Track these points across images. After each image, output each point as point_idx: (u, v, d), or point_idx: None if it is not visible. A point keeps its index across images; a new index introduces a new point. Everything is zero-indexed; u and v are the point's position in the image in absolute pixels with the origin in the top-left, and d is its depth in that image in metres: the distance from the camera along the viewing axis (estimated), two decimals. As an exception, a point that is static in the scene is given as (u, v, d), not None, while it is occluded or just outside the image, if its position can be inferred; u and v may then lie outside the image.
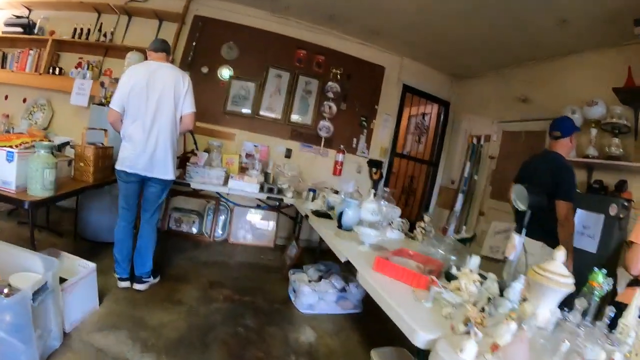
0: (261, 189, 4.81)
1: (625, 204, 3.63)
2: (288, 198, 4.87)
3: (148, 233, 3.70)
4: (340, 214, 3.32)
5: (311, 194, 4.64)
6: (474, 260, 2.33)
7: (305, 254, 5.06)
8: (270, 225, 5.96)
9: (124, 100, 3.40)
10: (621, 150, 3.92)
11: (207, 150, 5.17)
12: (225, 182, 4.69)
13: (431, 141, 7.40)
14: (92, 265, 2.96)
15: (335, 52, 6.18)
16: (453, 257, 2.63)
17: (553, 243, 2.58)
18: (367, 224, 3.28)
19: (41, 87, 5.44)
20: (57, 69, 5.41)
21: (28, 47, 5.46)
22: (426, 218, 3.56)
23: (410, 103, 7.05)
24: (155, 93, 3.42)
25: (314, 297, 3.88)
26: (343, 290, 4.01)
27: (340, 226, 3.36)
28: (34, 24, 5.42)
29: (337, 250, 2.84)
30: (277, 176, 5.11)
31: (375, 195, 3.50)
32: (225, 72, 5.77)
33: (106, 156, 3.95)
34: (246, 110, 5.85)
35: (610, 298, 2.29)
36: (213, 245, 5.51)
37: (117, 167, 3.47)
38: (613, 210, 3.56)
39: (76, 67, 5.43)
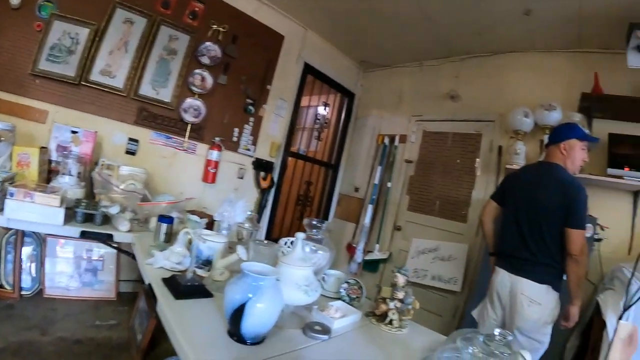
0: (72, 217, 2.64)
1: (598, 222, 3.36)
2: (121, 233, 2.68)
3: None
4: (238, 311, 1.31)
5: (164, 227, 2.44)
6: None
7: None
8: (108, 263, 3.73)
9: None
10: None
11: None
12: (2, 206, 2.41)
13: (331, 139, 5.93)
14: None
15: (221, 2, 4.21)
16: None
17: (558, 284, 2.51)
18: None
19: None
20: None
21: None
22: (400, 280, 1.84)
23: (311, 89, 5.41)
24: None
25: None
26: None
27: (237, 336, 1.37)
28: None
29: None
30: (105, 189, 2.89)
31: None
32: (45, 8, 3.44)
33: None
34: (68, 73, 3.51)
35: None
36: (19, 306, 3.21)
37: None
38: (589, 231, 3.06)
39: None
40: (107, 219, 2.73)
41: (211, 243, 2.00)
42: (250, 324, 1.30)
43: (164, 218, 2.43)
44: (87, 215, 2.67)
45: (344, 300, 2.02)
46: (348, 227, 5.60)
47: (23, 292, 3.34)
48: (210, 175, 4.16)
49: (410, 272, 2.47)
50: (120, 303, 3.62)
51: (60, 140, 3.33)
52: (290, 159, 5.17)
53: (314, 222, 2.00)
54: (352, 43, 5.23)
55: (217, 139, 4.17)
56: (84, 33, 3.53)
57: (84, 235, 2.56)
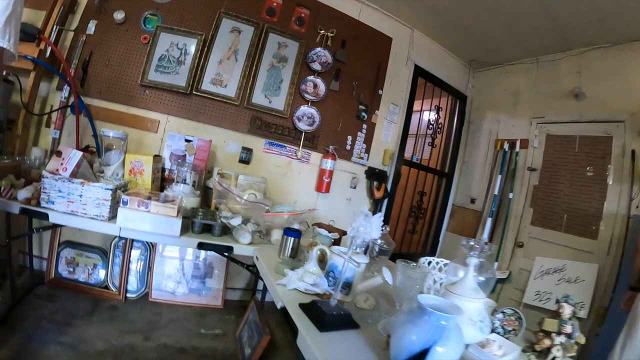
0: (188, 227, 2.45)
1: None
2: (242, 244, 2.43)
3: None
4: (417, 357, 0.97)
5: (290, 241, 2.17)
6: None
7: (279, 328, 2.95)
8: (217, 270, 3.59)
9: None
10: None
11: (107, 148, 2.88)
12: (115, 214, 2.25)
13: (444, 145, 5.43)
14: None
15: (326, 7, 4.00)
16: None
17: None
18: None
19: None
20: None
21: None
22: (566, 310, 1.57)
23: (423, 93, 4.97)
24: None
25: None
26: None
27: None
28: None
29: None
30: (223, 199, 2.66)
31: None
32: (150, 21, 3.46)
33: None
34: (179, 83, 3.46)
35: None
36: (123, 308, 3.16)
37: None
38: None
39: None
40: (225, 230, 2.50)
41: (355, 262, 1.71)
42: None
43: (291, 231, 2.16)
44: (203, 226, 2.45)
45: (497, 333, 1.64)
46: (462, 242, 5.04)
47: (129, 295, 3.35)
48: (324, 184, 3.90)
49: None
50: (227, 311, 3.49)
51: (174, 148, 3.26)
52: (403, 167, 4.78)
53: (472, 243, 1.65)
54: (460, 41, 4.78)
55: (331, 147, 3.91)
56: (191, 43, 3.49)
57: (202, 247, 2.35)
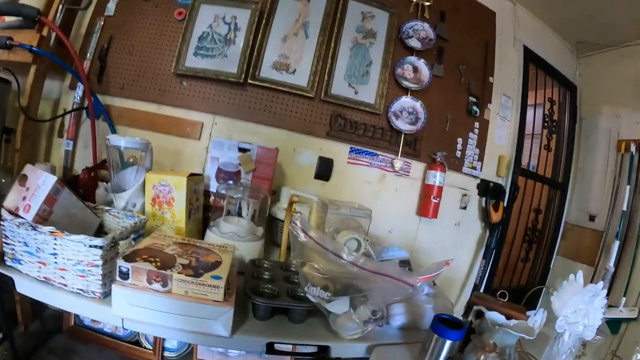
0: (244, 305, 1.29)
1: None
2: (344, 342, 1.20)
3: None
4: None
5: (446, 346, 0.99)
6: None
7: None
8: None
9: None
10: None
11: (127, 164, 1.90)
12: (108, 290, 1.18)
13: (555, 148, 4.18)
14: None
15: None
16: None
17: None
18: None
19: None
20: None
21: None
22: None
23: (535, 82, 3.80)
24: None
25: None
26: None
27: None
28: None
29: None
30: (308, 257, 1.39)
31: None
32: None
33: None
34: (228, 69, 2.45)
35: None
36: None
37: None
38: None
39: None
40: (312, 310, 1.29)
41: None
42: None
43: (447, 327, 1.03)
44: (268, 308, 1.26)
45: None
46: (574, 269, 3.75)
47: (166, 354, 2.43)
48: (431, 206, 2.70)
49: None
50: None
51: (222, 162, 2.20)
52: (519, 178, 3.59)
53: None
54: (566, 18, 3.71)
55: (439, 154, 2.73)
56: (243, 16, 2.48)
57: (272, 350, 1.18)
